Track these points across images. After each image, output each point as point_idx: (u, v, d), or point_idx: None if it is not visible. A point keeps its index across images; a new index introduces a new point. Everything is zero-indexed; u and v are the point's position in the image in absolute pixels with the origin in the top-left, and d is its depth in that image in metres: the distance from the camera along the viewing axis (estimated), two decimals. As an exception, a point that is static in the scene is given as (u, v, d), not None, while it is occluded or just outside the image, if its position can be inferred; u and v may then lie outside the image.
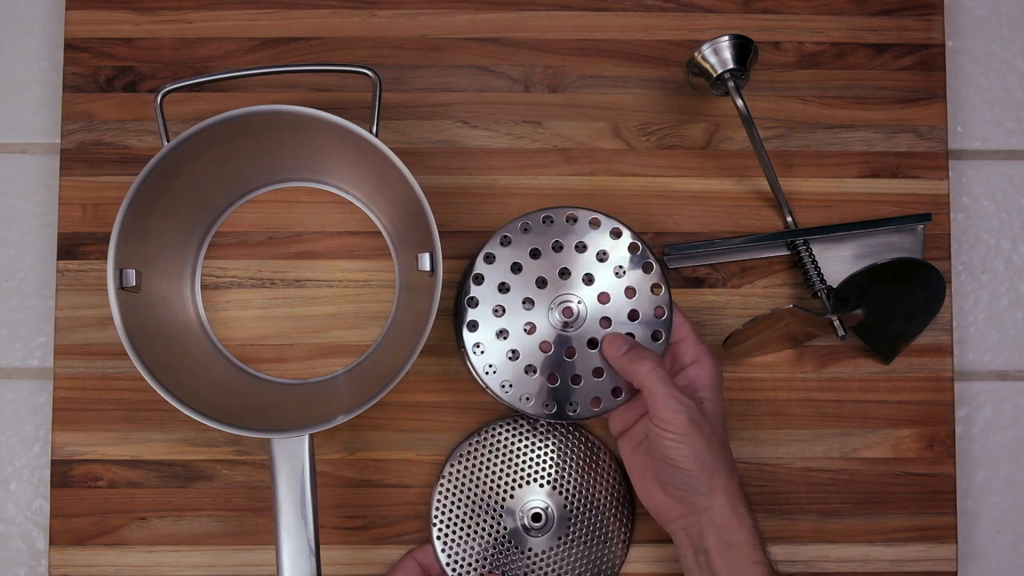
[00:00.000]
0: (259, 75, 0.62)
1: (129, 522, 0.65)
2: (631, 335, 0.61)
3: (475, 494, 0.65)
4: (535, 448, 0.65)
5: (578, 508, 0.65)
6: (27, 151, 0.70)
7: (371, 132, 0.60)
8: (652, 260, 0.62)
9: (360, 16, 0.68)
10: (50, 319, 0.68)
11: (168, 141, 0.59)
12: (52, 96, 0.69)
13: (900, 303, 0.65)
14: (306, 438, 0.58)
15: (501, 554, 0.64)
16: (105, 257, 0.59)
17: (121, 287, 0.59)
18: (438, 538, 0.64)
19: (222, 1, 0.68)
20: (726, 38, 0.63)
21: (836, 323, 0.64)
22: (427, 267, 0.59)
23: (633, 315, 0.62)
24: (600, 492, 0.65)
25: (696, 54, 0.64)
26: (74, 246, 0.66)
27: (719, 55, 0.64)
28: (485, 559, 0.64)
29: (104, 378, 0.66)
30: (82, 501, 0.65)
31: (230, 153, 0.62)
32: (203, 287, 0.66)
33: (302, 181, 0.67)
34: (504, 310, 0.62)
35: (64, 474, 0.65)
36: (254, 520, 0.66)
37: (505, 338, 0.62)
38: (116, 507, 0.65)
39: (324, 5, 0.68)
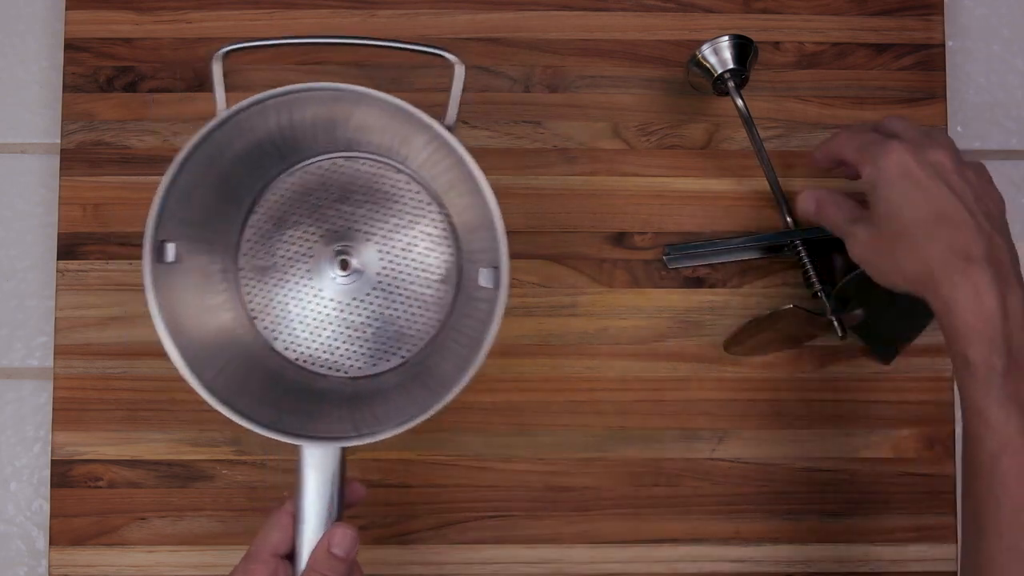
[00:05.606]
0: (323, 44, 0.58)
1: (129, 522, 0.65)
2: None
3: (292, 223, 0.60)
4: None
5: (393, 267, 0.60)
6: (27, 151, 0.70)
7: (443, 125, 0.54)
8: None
9: (360, 16, 0.68)
10: (50, 319, 0.68)
11: (224, 107, 0.55)
12: (52, 96, 0.69)
13: (900, 303, 0.65)
14: (339, 449, 0.54)
15: (301, 292, 0.60)
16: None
17: (159, 261, 0.54)
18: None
19: (222, 1, 0.68)
20: (726, 38, 0.63)
21: (836, 323, 0.64)
22: (489, 284, 0.54)
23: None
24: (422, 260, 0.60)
25: (696, 54, 0.64)
26: (74, 246, 0.66)
27: (719, 55, 0.64)
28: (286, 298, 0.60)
29: (104, 378, 0.66)
30: (82, 501, 0.65)
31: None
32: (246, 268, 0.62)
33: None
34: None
35: (64, 474, 0.65)
36: (254, 520, 0.65)
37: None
38: (116, 507, 0.65)
39: (324, 5, 0.68)
